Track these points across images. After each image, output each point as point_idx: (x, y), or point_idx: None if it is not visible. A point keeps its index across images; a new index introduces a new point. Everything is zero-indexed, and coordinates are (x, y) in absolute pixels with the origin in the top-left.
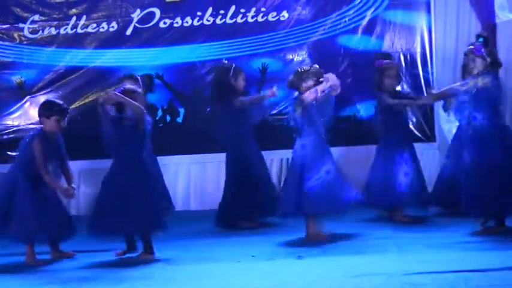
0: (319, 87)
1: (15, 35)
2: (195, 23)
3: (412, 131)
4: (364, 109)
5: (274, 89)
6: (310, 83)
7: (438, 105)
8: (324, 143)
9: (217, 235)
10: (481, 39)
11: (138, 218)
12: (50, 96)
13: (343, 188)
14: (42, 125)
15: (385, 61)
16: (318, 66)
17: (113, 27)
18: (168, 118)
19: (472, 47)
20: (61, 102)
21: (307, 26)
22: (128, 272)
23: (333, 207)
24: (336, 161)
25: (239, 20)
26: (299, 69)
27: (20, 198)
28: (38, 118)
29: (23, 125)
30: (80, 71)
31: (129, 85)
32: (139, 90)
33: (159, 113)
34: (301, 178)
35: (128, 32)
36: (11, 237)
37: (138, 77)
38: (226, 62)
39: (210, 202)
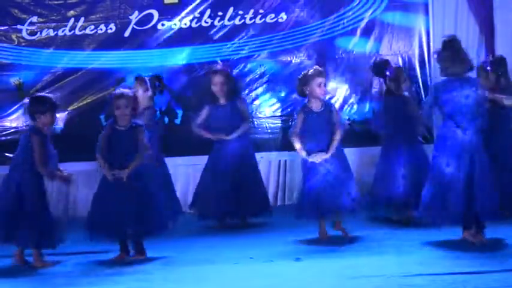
0: None
1: (14, 36)
2: (193, 24)
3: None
4: (361, 111)
5: None
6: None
7: None
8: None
9: (215, 237)
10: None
11: (139, 219)
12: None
13: (341, 192)
14: (35, 121)
15: None
16: (318, 67)
17: (111, 29)
18: (166, 120)
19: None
20: (51, 96)
21: (305, 28)
22: (125, 273)
23: (325, 211)
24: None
25: (237, 21)
26: (300, 76)
27: (31, 196)
28: (30, 114)
29: (21, 127)
30: (78, 73)
31: (121, 89)
32: (130, 94)
33: (157, 114)
34: (304, 179)
35: (126, 33)
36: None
37: (146, 79)
38: (220, 63)
39: None
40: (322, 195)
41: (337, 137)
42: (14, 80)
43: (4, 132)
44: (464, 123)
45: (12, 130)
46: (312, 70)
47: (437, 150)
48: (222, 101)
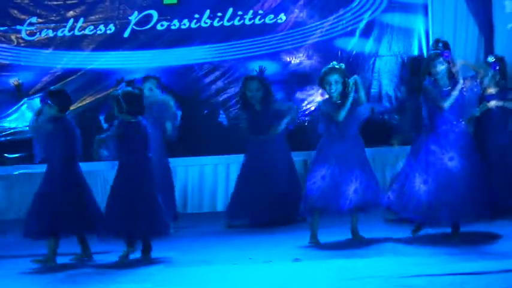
0: None
1: (13, 37)
2: (193, 25)
3: None
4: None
5: None
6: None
7: None
8: (330, 147)
9: (215, 237)
10: (440, 44)
11: (145, 220)
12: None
13: (338, 195)
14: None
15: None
16: (333, 63)
17: (110, 29)
18: None
19: (437, 51)
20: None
21: (304, 29)
22: (126, 273)
23: (319, 211)
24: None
25: (236, 22)
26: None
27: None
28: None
29: (20, 127)
30: (77, 74)
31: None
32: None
33: None
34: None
35: (126, 34)
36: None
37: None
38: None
39: (207, 205)
40: (320, 195)
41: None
42: (13, 81)
43: (3, 133)
44: (457, 119)
45: (11, 131)
46: (324, 68)
47: (438, 144)
48: (257, 107)
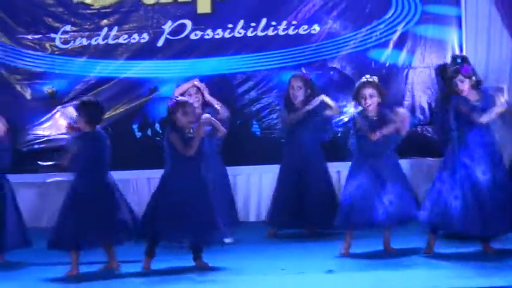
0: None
1: (47, 45)
2: (226, 35)
3: None
4: None
5: None
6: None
7: None
8: (365, 159)
9: (247, 247)
10: (459, 60)
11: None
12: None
13: (373, 207)
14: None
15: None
16: (366, 77)
17: (144, 38)
18: None
19: (455, 67)
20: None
21: (338, 40)
22: (153, 282)
23: (353, 223)
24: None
25: (270, 32)
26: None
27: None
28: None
29: (54, 135)
30: (110, 82)
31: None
32: (190, 101)
33: None
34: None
35: (159, 43)
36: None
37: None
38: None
39: (239, 215)
40: (354, 207)
41: (390, 129)
42: (47, 89)
43: (37, 141)
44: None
45: (45, 138)
46: (358, 83)
47: (470, 158)
48: (298, 106)
